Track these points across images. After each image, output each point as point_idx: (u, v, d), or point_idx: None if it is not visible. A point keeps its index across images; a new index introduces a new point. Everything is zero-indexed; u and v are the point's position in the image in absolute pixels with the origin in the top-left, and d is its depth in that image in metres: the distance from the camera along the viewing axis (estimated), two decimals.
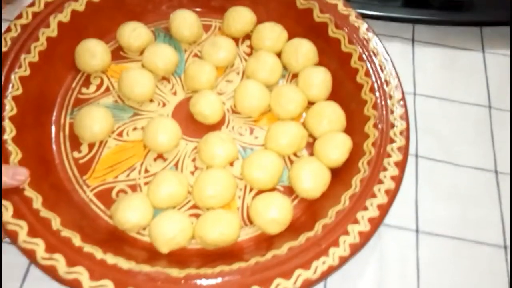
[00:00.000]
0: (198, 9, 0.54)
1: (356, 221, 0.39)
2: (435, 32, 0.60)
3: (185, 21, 0.51)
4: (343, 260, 0.37)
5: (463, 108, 0.54)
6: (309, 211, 0.44)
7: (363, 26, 0.50)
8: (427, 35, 0.59)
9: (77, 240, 0.35)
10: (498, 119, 0.53)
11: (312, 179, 0.43)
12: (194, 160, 0.45)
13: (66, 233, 0.35)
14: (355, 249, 0.38)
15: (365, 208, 0.40)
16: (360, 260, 0.43)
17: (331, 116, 0.47)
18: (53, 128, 0.46)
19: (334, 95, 0.49)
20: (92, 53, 0.47)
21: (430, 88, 0.55)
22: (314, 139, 0.47)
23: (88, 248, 0.35)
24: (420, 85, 0.55)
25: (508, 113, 0.54)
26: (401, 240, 0.46)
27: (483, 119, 0.54)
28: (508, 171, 0.50)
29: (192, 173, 0.45)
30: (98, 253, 0.35)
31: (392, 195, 0.41)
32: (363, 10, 0.54)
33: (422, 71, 0.57)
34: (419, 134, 0.52)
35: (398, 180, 0.41)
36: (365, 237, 0.39)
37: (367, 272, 0.44)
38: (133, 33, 0.50)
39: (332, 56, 0.50)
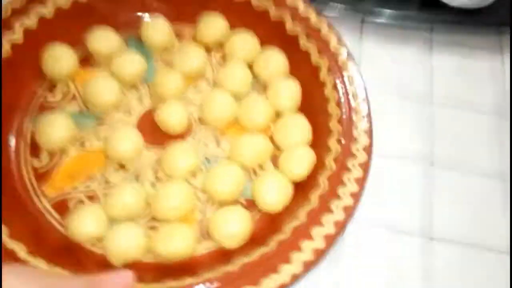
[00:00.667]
0: (171, 17, 0.53)
1: (310, 238, 0.39)
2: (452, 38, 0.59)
3: (156, 29, 0.51)
4: (295, 278, 0.37)
5: (478, 114, 0.54)
6: (270, 225, 0.43)
7: (334, 38, 0.49)
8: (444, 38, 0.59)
9: (22, 253, 0.35)
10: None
11: (274, 193, 0.43)
12: (155, 170, 0.45)
13: (12, 245, 0.35)
14: (308, 266, 0.37)
15: (321, 225, 0.39)
16: (369, 266, 0.44)
17: (297, 130, 0.46)
18: (14, 136, 0.45)
19: (304, 108, 0.49)
20: (58, 59, 0.47)
21: (445, 93, 0.55)
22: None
23: (33, 261, 0.34)
24: (436, 91, 0.55)
25: None
26: (410, 246, 0.45)
27: (497, 126, 0.53)
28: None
29: (153, 184, 0.44)
30: (43, 266, 0.34)
31: (349, 211, 0.40)
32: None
33: (440, 75, 0.56)
34: (436, 140, 0.51)
35: (356, 196, 0.41)
36: (319, 254, 0.38)
37: (377, 279, 0.44)
38: (102, 40, 0.49)
39: (302, 68, 0.50)
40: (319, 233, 0.39)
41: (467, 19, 0.58)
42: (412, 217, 0.47)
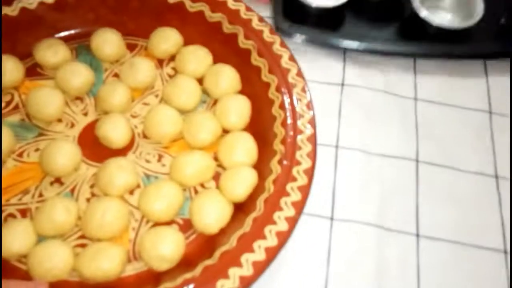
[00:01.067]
0: (125, 30, 0.52)
1: (239, 265, 0.37)
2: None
3: (106, 40, 0.50)
4: None
5: (464, 113, 0.53)
6: (204, 247, 0.42)
7: (286, 54, 0.48)
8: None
9: None
10: (499, 124, 0.53)
11: (211, 214, 0.41)
12: (92, 186, 0.44)
13: None
14: None
15: (252, 251, 0.38)
16: (359, 264, 0.43)
17: (242, 149, 0.45)
18: None
19: (253, 126, 0.47)
20: (3, 70, 0.46)
21: (431, 93, 0.54)
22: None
23: None
24: (421, 91, 0.54)
25: (509, 119, 0.53)
26: (401, 244, 0.45)
27: (483, 124, 0.53)
28: (508, 175, 0.49)
29: (88, 200, 0.43)
30: None
31: (283, 237, 0.38)
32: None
33: (423, 76, 0.55)
34: (420, 139, 0.51)
35: (292, 221, 0.39)
36: (246, 283, 0.36)
37: (367, 277, 0.43)
38: (49, 50, 0.48)
39: (254, 84, 0.49)
40: (248, 260, 0.37)
41: (449, 51, 0.55)
42: (401, 214, 0.46)
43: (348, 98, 0.52)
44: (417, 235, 0.45)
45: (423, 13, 0.55)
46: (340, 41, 0.54)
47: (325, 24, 0.56)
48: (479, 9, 0.55)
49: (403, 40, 0.56)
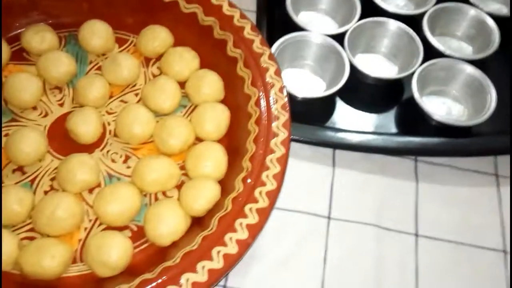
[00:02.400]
0: (117, 21, 0.50)
1: (178, 284, 0.35)
2: None
3: (94, 31, 0.49)
4: None
5: None
6: (154, 259, 0.40)
7: (272, 68, 0.46)
8: None
9: None
10: None
11: (164, 226, 0.39)
12: (53, 179, 0.43)
13: None
14: None
15: (195, 271, 0.35)
16: (358, 264, 0.44)
17: (211, 160, 0.43)
18: None
19: (229, 138, 0.46)
20: None
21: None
22: None
23: None
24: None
25: None
26: (400, 244, 0.45)
27: None
28: (508, 174, 0.49)
29: (46, 192, 0.42)
30: None
31: (230, 260, 0.36)
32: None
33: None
34: None
35: (244, 245, 0.37)
36: None
37: (365, 276, 0.43)
38: (36, 36, 0.48)
39: (237, 95, 0.47)
40: (188, 280, 0.35)
41: (452, 148, 0.50)
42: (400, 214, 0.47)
43: None
44: (416, 235, 0.45)
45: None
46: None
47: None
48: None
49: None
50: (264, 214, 0.39)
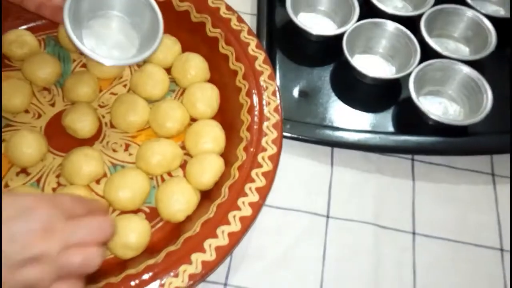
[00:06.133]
0: None
1: (202, 250, 0.37)
2: None
3: None
4: None
5: None
6: (171, 235, 0.42)
7: (253, 42, 0.48)
8: None
9: None
10: None
11: (176, 203, 0.41)
12: (58, 176, 0.44)
13: None
14: (195, 279, 0.36)
15: (215, 236, 0.38)
16: (356, 262, 0.43)
17: (209, 136, 0.45)
18: None
19: (222, 114, 0.48)
20: None
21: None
22: None
23: None
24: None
25: None
26: (398, 242, 0.45)
27: None
28: (504, 173, 0.49)
29: (54, 189, 0.43)
30: None
31: (246, 223, 0.39)
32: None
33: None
34: None
35: (256, 207, 0.39)
36: (209, 268, 0.37)
37: (363, 274, 0.43)
38: (16, 41, 0.48)
39: (222, 73, 0.49)
40: (211, 245, 0.37)
41: (449, 147, 0.50)
42: (397, 212, 0.47)
43: None
44: (413, 233, 0.46)
45: None
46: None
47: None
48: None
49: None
50: (270, 177, 0.41)
